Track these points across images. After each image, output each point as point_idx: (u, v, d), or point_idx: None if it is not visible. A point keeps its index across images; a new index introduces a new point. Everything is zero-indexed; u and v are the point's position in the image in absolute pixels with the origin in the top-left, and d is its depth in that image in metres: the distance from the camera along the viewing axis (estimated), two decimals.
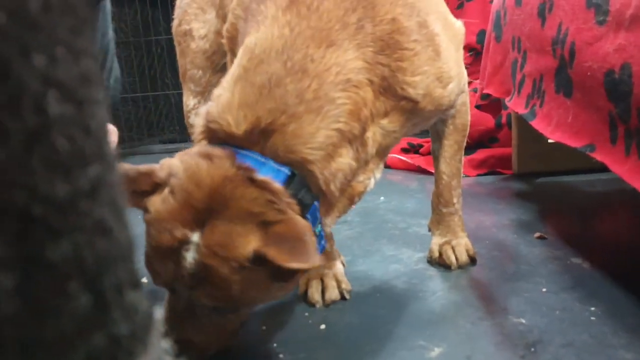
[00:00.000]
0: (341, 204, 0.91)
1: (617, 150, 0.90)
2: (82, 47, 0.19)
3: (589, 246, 1.23)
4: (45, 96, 0.18)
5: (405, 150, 2.27)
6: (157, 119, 2.95)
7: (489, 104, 1.79)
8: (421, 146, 2.23)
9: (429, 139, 2.14)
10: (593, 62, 0.94)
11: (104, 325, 0.19)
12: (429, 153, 2.12)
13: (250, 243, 0.73)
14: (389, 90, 0.87)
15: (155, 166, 0.79)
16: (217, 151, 0.77)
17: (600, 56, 0.91)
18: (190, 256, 0.74)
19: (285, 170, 0.79)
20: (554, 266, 1.13)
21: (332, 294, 1.05)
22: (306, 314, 1.02)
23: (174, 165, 0.78)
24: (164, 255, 0.75)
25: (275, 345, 0.91)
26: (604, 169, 0.96)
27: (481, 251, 1.21)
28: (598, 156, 0.96)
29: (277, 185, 0.77)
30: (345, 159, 0.85)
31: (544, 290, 1.03)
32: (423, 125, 1.05)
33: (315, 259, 0.71)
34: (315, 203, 0.83)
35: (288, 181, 0.80)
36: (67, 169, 0.18)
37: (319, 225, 0.86)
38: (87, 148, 0.19)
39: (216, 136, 0.82)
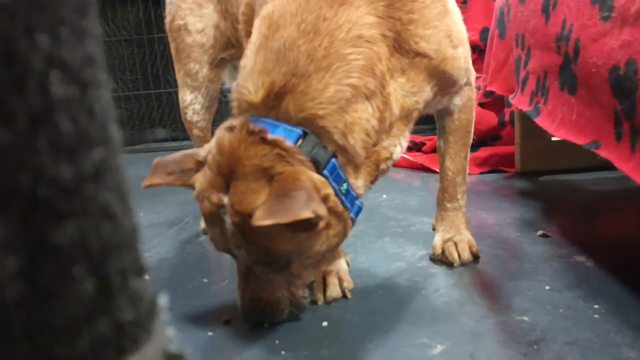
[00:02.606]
0: (368, 167, 0.93)
1: (622, 147, 0.90)
2: (86, 28, 0.19)
3: (592, 244, 1.23)
4: (48, 77, 0.17)
5: (408, 149, 2.26)
6: (160, 116, 2.95)
7: (492, 102, 1.79)
8: (424, 144, 2.23)
9: (431, 137, 2.14)
10: (598, 58, 0.94)
11: (108, 311, 0.19)
12: (432, 151, 2.11)
13: (259, 198, 0.79)
14: (403, 45, 0.89)
15: (199, 149, 0.89)
16: (236, 121, 0.84)
17: (605, 52, 0.91)
18: (227, 218, 0.82)
19: (298, 130, 0.83)
20: (558, 264, 1.13)
21: (334, 291, 1.04)
22: (309, 311, 1.01)
23: (211, 142, 0.86)
24: (212, 221, 0.85)
25: (277, 342, 0.91)
26: (608, 167, 0.96)
27: (484, 249, 1.20)
28: (603, 153, 0.95)
29: (289, 143, 0.81)
30: (362, 114, 0.86)
31: (548, 288, 1.03)
32: (442, 98, 1.04)
33: (292, 214, 0.74)
34: (334, 160, 0.85)
35: (300, 140, 0.83)
36: (72, 151, 0.18)
37: (345, 184, 0.88)
38: (92, 131, 0.19)
39: (240, 106, 0.88)
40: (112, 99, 0.21)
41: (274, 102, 0.83)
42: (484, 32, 2.18)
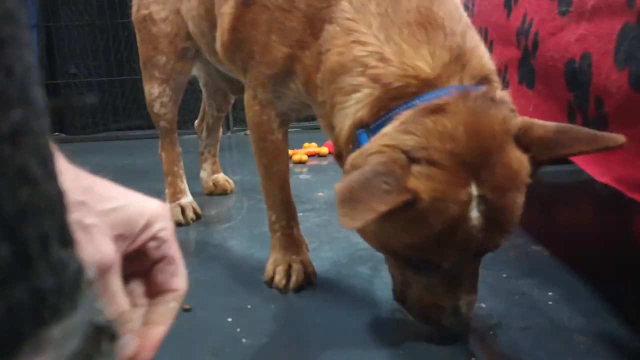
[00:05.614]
0: None
1: None
2: None
3: (548, 234, 1.26)
4: None
5: None
6: (124, 104, 2.88)
7: None
8: None
9: None
10: (555, 52, 0.96)
11: (25, 278, 0.18)
12: None
13: (523, 160, 0.72)
14: None
15: (383, 157, 0.69)
16: (440, 100, 0.71)
17: (562, 46, 0.93)
18: (475, 212, 0.70)
19: (484, 88, 0.76)
20: (515, 253, 1.16)
21: (299, 277, 1.05)
22: (270, 299, 1.01)
23: (403, 141, 0.70)
24: (452, 230, 0.70)
25: (238, 330, 0.91)
26: (564, 160, 0.98)
27: None
28: None
29: (507, 97, 0.76)
30: None
31: (505, 276, 1.06)
32: None
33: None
34: None
35: None
36: None
37: None
38: (10, 91, 0.18)
39: (406, 90, 0.75)
40: (34, 60, 0.20)
41: (455, 68, 0.75)
42: None
